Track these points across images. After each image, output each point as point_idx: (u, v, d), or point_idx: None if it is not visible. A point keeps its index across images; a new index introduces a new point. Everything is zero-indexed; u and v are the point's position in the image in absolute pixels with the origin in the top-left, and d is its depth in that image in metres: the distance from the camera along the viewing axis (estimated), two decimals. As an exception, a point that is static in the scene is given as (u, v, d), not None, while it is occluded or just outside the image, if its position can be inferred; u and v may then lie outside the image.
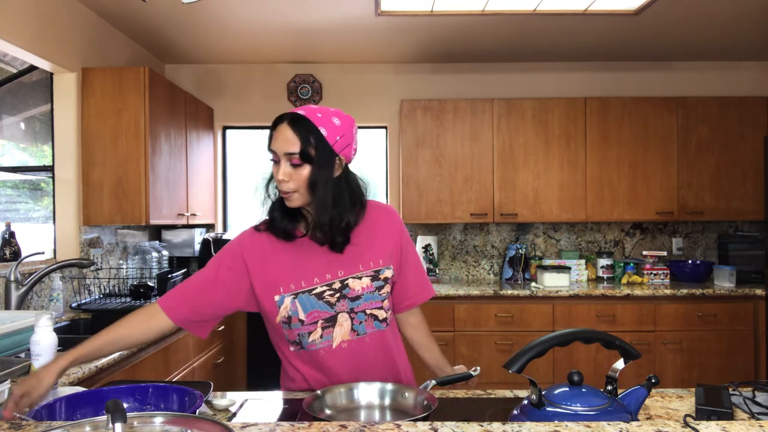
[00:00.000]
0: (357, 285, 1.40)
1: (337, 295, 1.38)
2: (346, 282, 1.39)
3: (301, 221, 1.43)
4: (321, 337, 1.39)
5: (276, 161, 1.34)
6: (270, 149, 1.35)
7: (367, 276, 1.41)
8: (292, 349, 1.43)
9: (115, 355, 1.99)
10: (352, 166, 1.44)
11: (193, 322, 1.40)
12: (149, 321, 1.36)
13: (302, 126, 1.31)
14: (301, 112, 1.34)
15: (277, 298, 1.37)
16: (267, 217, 1.43)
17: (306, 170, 1.32)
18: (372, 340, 1.43)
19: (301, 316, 1.37)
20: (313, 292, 1.37)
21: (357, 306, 1.40)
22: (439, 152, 3.93)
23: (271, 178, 1.40)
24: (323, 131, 1.31)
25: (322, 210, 1.34)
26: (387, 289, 1.44)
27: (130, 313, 1.39)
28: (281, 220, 1.40)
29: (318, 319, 1.38)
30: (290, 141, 1.30)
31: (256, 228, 1.45)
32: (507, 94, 4.25)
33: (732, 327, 3.59)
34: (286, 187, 1.33)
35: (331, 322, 1.39)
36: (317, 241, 1.38)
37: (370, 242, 1.44)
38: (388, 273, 1.44)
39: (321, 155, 1.31)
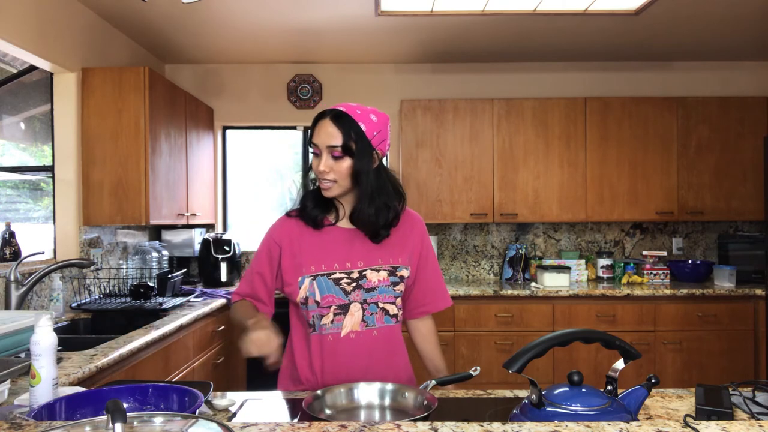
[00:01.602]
0: (374, 277, 1.46)
1: (354, 284, 1.45)
2: (364, 273, 1.46)
3: (332, 211, 1.51)
4: (332, 322, 1.44)
5: (317, 154, 1.43)
6: (312, 143, 1.44)
7: (385, 270, 1.48)
8: (308, 331, 1.48)
9: (115, 355, 2.00)
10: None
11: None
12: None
13: (344, 121, 1.40)
14: (341, 108, 1.42)
15: (299, 278, 1.45)
16: (299, 205, 1.52)
17: (346, 163, 1.40)
18: (380, 334, 1.47)
19: (317, 297, 1.43)
20: (332, 276, 1.44)
21: (371, 297, 1.46)
22: (439, 152, 3.93)
23: (309, 169, 1.49)
24: (363, 126, 1.40)
25: (368, 201, 1.43)
26: (401, 287, 1.50)
27: (239, 306, 1.52)
28: (313, 209, 1.49)
29: (332, 304, 1.44)
30: (333, 135, 1.39)
31: (288, 214, 1.54)
32: (507, 94, 4.25)
33: (732, 327, 3.59)
34: (327, 177, 1.41)
35: (344, 310, 1.44)
36: (362, 230, 1.46)
37: (395, 240, 1.51)
38: (404, 272, 1.50)
39: (361, 148, 1.40)
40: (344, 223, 1.50)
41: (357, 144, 1.39)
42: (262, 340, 1.29)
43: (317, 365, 1.46)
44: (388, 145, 1.48)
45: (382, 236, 1.47)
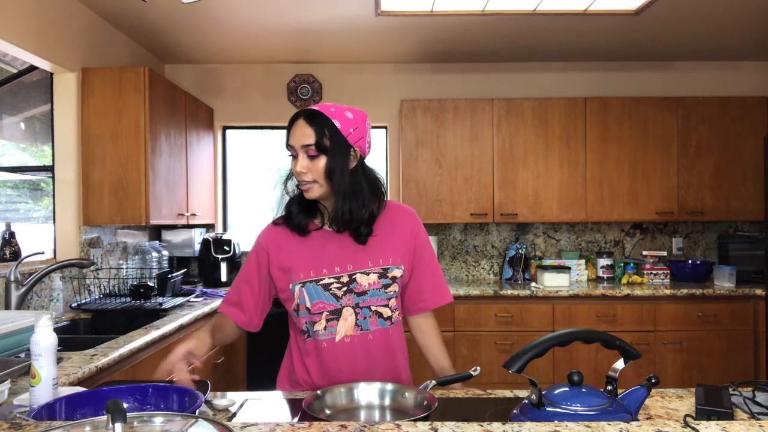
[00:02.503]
0: (364, 280, 1.43)
1: (344, 288, 1.42)
2: (354, 276, 1.43)
3: (317, 216, 1.49)
4: (325, 329, 1.42)
5: (294, 156, 1.41)
6: (288, 145, 1.42)
7: (375, 273, 1.44)
8: (302, 338, 1.48)
9: (115, 355, 2.00)
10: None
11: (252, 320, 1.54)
12: (226, 327, 1.54)
13: (318, 120, 1.38)
14: (315, 107, 1.41)
15: (290, 286, 1.44)
16: (284, 212, 1.50)
17: (322, 161, 1.38)
18: (375, 338, 1.45)
19: (308, 304, 1.42)
20: (321, 282, 1.42)
21: (362, 301, 1.43)
22: (439, 152, 3.93)
23: (290, 175, 1.47)
24: (337, 123, 1.38)
25: (341, 199, 1.39)
26: (394, 288, 1.46)
27: (211, 322, 1.54)
28: (297, 215, 1.46)
29: (323, 310, 1.42)
30: (306, 134, 1.38)
31: (274, 222, 1.52)
32: (507, 94, 4.25)
33: (732, 327, 3.59)
34: (305, 178, 1.39)
35: (336, 315, 1.42)
36: (336, 230, 1.43)
37: (384, 240, 1.47)
38: (396, 272, 1.46)
39: (336, 146, 1.38)
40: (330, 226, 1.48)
41: (331, 141, 1.37)
42: (175, 353, 1.38)
43: (314, 371, 1.45)
44: (368, 143, 1.45)
45: (364, 235, 1.43)
